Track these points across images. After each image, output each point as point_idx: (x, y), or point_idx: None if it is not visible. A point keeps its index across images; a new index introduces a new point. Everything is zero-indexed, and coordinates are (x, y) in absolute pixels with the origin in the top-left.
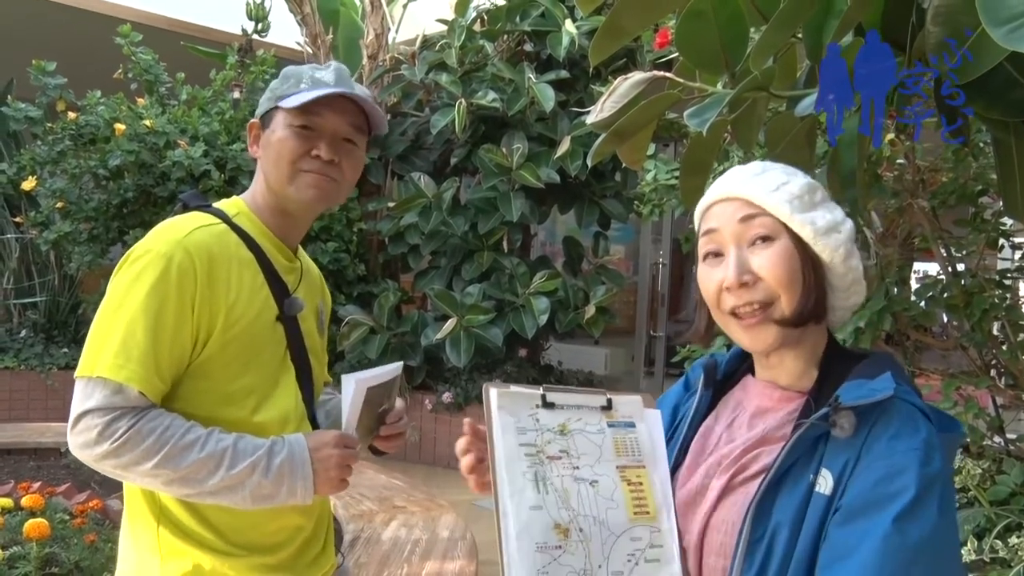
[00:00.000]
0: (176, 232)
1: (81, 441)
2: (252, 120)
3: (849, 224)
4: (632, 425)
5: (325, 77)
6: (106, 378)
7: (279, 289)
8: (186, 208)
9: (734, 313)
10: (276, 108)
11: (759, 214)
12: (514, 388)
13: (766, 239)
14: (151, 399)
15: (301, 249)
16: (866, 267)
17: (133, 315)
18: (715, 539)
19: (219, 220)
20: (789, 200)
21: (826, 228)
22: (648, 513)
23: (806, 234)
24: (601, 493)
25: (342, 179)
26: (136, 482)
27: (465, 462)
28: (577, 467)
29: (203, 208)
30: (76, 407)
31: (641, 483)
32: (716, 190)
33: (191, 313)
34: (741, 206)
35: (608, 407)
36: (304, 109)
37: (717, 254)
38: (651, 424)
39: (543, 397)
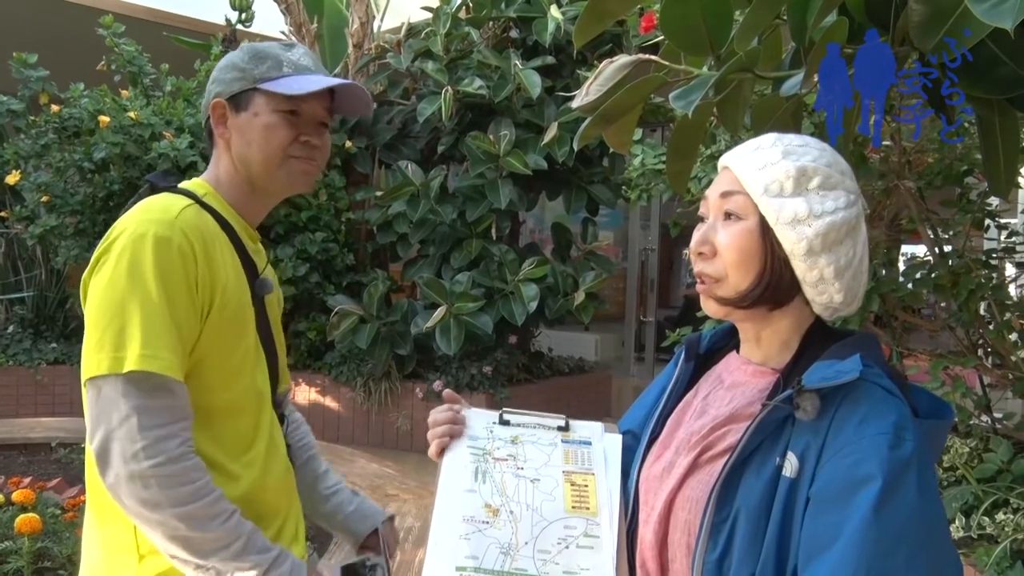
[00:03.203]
0: (166, 213)
1: (119, 451)
2: (216, 99)
3: (829, 220)
4: (588, 443)
5: (303, 61)
6: (142, 371)
7: (250, 269)
8: (154, 189)
9: (697, 278)
10: (255, 90)
11: (736, 192)
12: (473, 410)
13: (735, 217)
14: (186, 389)
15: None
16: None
17: (150, 302)
18: (680, 516)
19: (192, 201)
20: (766, 183)
21: (791, 218)
22: (588, 508)
23: (770, 219)
24: (540, 488)
25: (323, 161)
26: (137, 521)
27: (435, 446)
28: (521, 468)
29: (172, 189)
30: (111, 408)
31: (586, 485)
32: (724, 157)
33: (196, 295)
34: (729, 180)
35: (565, 428)
36: (293, 96)
37: (704, 219)
38: (608, 445)
39: (500, 416)
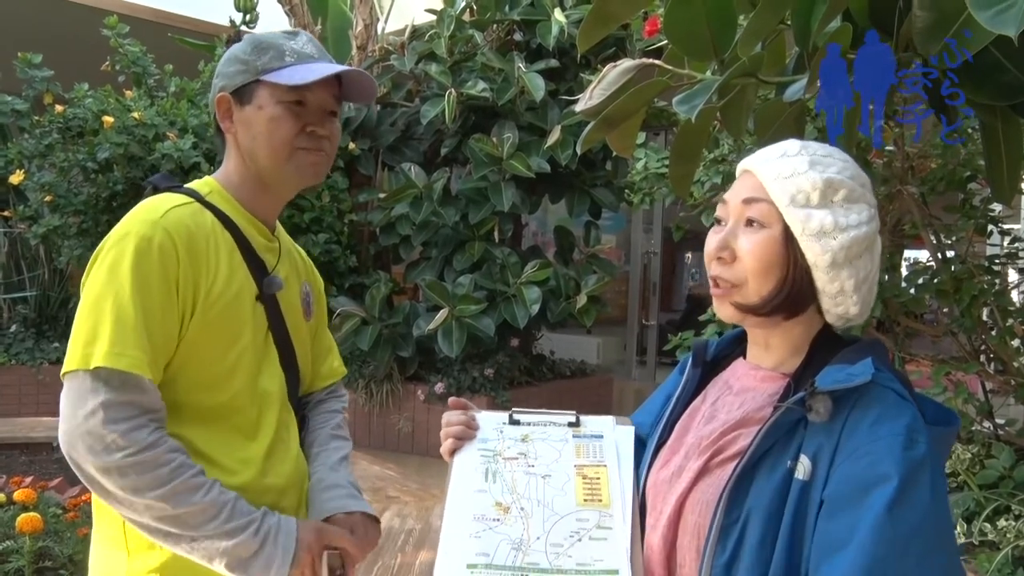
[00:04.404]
0: (152, 213)
1: (86, 446)
2: (221, 94)
3: (853, 235)
4: (599, 437)
5: (307, 49)
6: (109, 368)
7: (257, 268)
8: (156, 190)
9: (712, 281)
10: (259, 82)
11: (760, 199)
12: (484, 412)
13: (758, 224)
14: (156, 386)
15: (282, 230)
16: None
17: (122, 301)
18: (690, 519)
19: (192, 199)
20: (793, 193)
21: (817, 230)
22: (600, 500)
23: (795, 230)
24: (551, 484)
25: (332, 151)
26: (121, 509)
27: (447, 446)
28: (532, 465)
29: (174, 189)
30: (78, 404)
31: (598, 478)
32: (746, 159)
33: (176, 294)
34: (752, 186)
35: (576, 423)
36: (297, 85)
37: (722, 222)
38: (620, 437)
39: (510, 416)
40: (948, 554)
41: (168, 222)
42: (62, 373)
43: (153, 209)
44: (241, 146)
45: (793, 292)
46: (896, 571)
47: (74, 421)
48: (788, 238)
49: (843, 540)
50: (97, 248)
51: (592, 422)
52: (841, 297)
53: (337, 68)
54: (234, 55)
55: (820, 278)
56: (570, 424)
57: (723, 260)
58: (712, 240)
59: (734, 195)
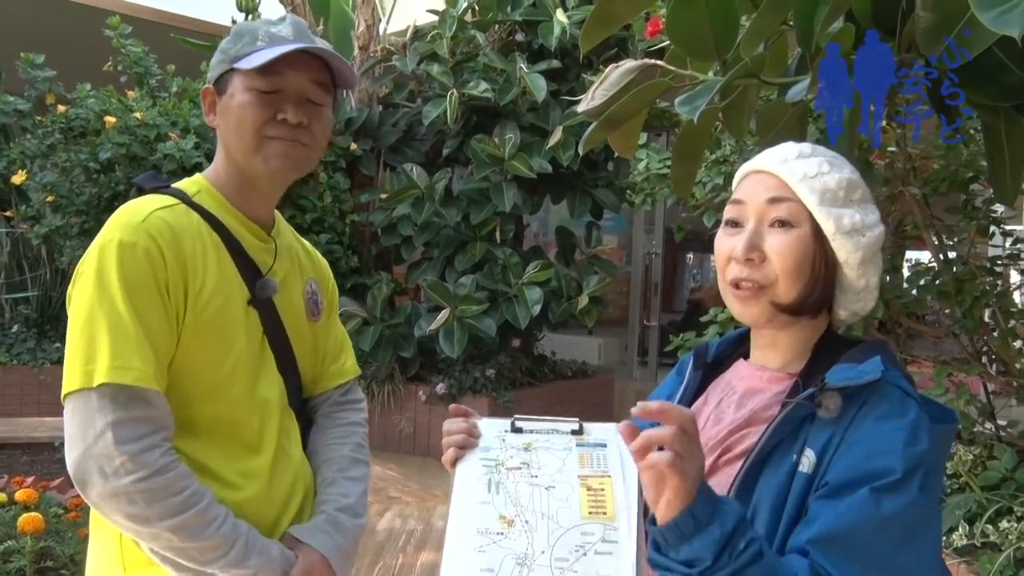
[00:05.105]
0: (134, 217)
1: (98, 469)
2: (205, 86)
3: (878, 231)
4: (603, 445)
5: (282, 32)
6: (114, 384)
7: (249, 270)
8: (141, 192)
9: (735, 283)
10: (232, 70)
11: (787, 199)
12: (485, 419)
13: (785, 224)
14: (164, 398)
15: (286, 226)
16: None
17: (116, 311)
18: None
19: (178, 200)
20: (821, 191)
21: (850, 228)
22: (605, 514)
23: (828, 229)
24: (555, 496)
25: (313, 143)
26: (131, 535)
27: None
28: (535, 476)
29: (160, 189)
30: (86, 425)
31: (603, 489)
32: (758, 160)
33: (168, 299)
34: (773, 185)
35: (579, 431)
36: (265, 69)
37: (736, 224)
38: (624, 446)
39: (512, 423)
40: (931, 545)
41: (150, 225)
42: (63, 395)
43: (134, 213)
44: (223, 140)
45: (823, 291)
46: (868, 546)
47: (83, 444)
48: (818, 237)
49: (822, 514)
50: (82, 259)
51: (595, 429)
52: (865, 293)
53: (292, 45)
54: (220, 46)
55: (849, 275)
56: (573, 432)
57: (752, 261)
58: (731, 242)
59: (753, 195)
